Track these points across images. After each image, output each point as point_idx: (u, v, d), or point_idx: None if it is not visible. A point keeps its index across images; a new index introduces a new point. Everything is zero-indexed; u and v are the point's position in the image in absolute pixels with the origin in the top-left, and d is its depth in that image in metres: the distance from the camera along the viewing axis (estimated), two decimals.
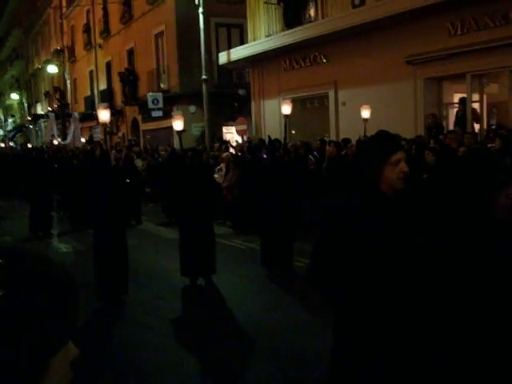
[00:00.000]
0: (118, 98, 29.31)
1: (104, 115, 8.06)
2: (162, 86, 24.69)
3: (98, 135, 28.08)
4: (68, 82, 39.74)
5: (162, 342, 6.02)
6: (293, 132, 17.07)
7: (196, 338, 6.18)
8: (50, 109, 38.55)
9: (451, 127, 12.65)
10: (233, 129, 20.23)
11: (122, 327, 6.67)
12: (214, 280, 8.10)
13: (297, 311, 6.82)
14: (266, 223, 8.85)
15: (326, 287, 2.85)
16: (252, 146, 14.54)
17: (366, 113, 11.34)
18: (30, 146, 34.97)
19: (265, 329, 6.25)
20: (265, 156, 10.85)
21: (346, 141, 11.89)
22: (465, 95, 12.67)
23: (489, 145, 10.04)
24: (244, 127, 19.11)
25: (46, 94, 42.96)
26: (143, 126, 27.32)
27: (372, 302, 2.71)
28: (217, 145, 17.37)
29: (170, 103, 22.90)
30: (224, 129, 23.17)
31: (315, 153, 12.43)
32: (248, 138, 17.98)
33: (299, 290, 7.30)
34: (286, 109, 10.70)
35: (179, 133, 9.17)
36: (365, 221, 2.74)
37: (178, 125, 8.94)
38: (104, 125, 8.60)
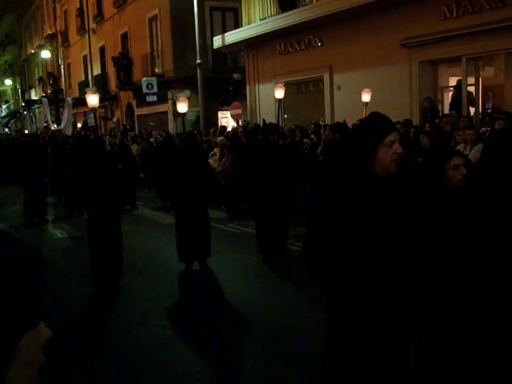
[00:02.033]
0: (112, 83, 29.15)
1: (93, 100, 7.97)
2: (156, 70, 24.54)
3: (93, 120, 27.97)
4: (62, 67, 39.47)
5: (158, 326, 6.03)
6: (285, 116, 17.03)
7: (191, 321, 6.19)
8: (43, 94, 38.32)
9: (447, 111, 12.61)
10: (228, 113, 20.17)
11: (117, 312, 6.68)
12: (209, 264, 8.10)
13: (291, 293, 6.84)
14: (261, 208, 8.85)
15: (320, 269, 2.85)
16: (247, 130, 14.49)
17: (366, 96, 11.28)
18: (26, 131, 34.85)
19: (259, 310, 6.27)
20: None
21: (340, 125, 11.86)
22: (460, 78, 12.62)
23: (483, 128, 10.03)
24: (239, 111, 19.03)
25: (40, 80, 42.67)
26: (138, 111, 27.20)
27: (364, 283, 2.71)
28: (212, 130, 17.32)
29: (165, 88, 22.78)
30: (219, 113, 23.08)
31: (312, 136, 12.41)
32: (244, 122, 17.92)
33: (294, 273, 7.32)
34: (279, 93, 10.67)
35: (182, 115, 9.10)
36: (358, 204, 2.73)
37: (182, 107, 8.85)
38: (93, 109, 8.51)
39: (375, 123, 2.89)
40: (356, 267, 2.71)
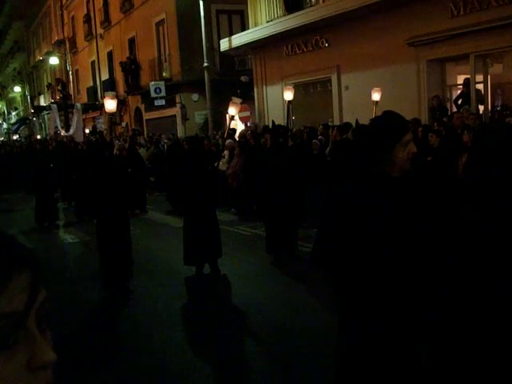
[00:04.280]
0: (121, 88, 29.27)
1: (110, 104, 8.01)
2: (164, 74, 24.62)
3: (102, 125, 28.06)
4: (70, 73, 39.70)
5: (168, 328, 6.03)
6: (293, 118, 16.99)
7: (202, 323, 6.19)
8: (52, 100, 38.55)
9: (455, 109, 12.55)
10: (236, 116, 20.16)
11: (127, 315, 6.69)
12: (220, 266, 8.08)
13: (302, 295, 6.81)
14: (271, 209, 8.82)
15: (331, 270, 2.83)
16: (255, 133, 14.49)
17: (376, 95, 11.23)
18: (38, 137, 35.02)
19: (270, 312, 6.25)
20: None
21: (348, 125, 11.81)
22: (468, 76, 12.55)
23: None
24: (247, 114, 19.04)
25: (49, 86, 42.93)
26: (146, 115, 27.29)
27: (376, 284, 2.70)
28: (219, 132, 17.34)
29: (173, 92, 22.85)
30: (227, 116, 23.09)
31: (320, 137, 12.37)
32: (252, 125, 17.92)
33: (304, 275, 7.30)
34: (288, 95, 10.66)
35: (232, 117, 9.09)
36: (371, 203, 2.71)
37: (232, 111, 8.87)
38: (110, 114, 8.53)
39: (392, 123, 2.85)
40: (369, 269, 2.69)
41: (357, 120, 11.00)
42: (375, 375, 2.78)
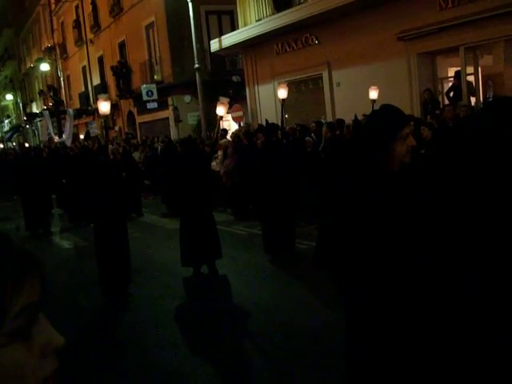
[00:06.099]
0: (113, 92, 29.20)
1: (104, 107, 7.96)
2: (155, 77, 24.61)
3: (95, 130, 27.98)
4: (61, 79, 39.62)
5: (168, 329, 6.03)
6: (286, 116, 16.97)
7: (201, 324, 6.18)
8: (44, 107, 38.46)
9: (447, 102, 12.58)
10: (229, 116, 20.15)
11: (126, 318, 6.69)
12: (217, 267, 8.08)
13: (301, 293, 6.82)
14: (267, 208, 8.83)
15: (335, 270, 2.82)
16: (248, 132, 14.48)
17: (373, 93, 11.20)
18: (27, 144, 34.90)
19: (269, 311, 6.26)
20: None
21: (341, 121, 11.81)
22: (459, 69, 12.59)
23: None
24: (240, 114, 19.04)
25: (41, 93, 42.83)
26: (139, 119, 27.27)
27: (381, 282, 2.68)
28: (210, 133, 17.37)
29: (165, 94, 22.84)
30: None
31: (312, 134, 12.37)
32: (245, 124, 17.93)
33: (303, 273, 7.31)
34: (282, 92, 10.61)
35: (221, 118, 9.06)
36: (371, 198, 2.69)
37: (220, 111, 8.85)
38: (104, 116, 8.47)
39: (391, 116, 2.84)
40: (371, 268, 2.67)
41: (355, 115, 10.97)
42: (385, 376, 2.76)
